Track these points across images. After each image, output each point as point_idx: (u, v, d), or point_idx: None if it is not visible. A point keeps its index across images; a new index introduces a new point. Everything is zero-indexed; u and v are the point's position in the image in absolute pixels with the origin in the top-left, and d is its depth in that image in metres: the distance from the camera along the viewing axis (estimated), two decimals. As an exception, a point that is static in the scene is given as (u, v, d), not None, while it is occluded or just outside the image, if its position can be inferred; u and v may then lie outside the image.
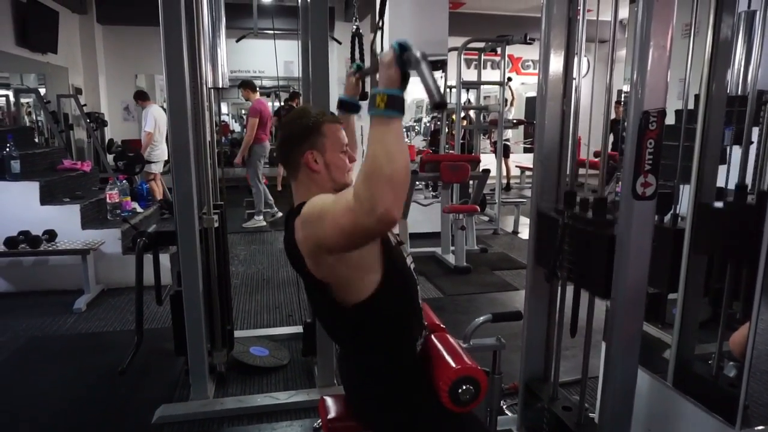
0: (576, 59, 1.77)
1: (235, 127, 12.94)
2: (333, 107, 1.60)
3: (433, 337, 1.59)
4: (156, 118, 6.07)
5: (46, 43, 6.94)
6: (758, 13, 1.82)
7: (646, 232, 1.42)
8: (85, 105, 7.46)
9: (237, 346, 2.87)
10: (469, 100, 7.32)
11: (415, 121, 11.04)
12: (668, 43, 1.32)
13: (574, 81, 1.80)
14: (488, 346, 1.65)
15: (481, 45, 6.02)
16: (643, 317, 1.48)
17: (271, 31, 5.81)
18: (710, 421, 1.68)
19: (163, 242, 2.55)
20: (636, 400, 1.98)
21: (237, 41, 5.42)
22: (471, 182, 5.27)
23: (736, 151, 1.94)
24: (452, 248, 4.75)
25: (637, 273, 1.44)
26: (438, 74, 6.28)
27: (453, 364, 1.40)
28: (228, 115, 13.39)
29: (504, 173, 8.24)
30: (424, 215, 5.34)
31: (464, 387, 1.36)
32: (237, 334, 3.09)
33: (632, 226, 1.41)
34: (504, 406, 2.38)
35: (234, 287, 4.10)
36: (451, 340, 1.58)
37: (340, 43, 6.44)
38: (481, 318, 1.74)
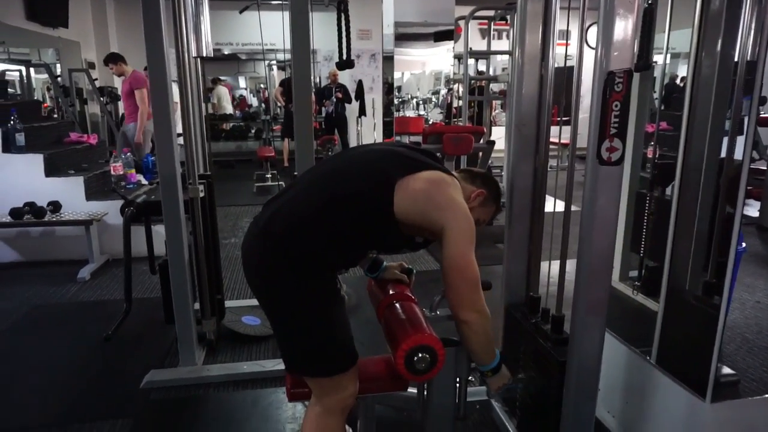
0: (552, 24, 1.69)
1: (253, 101, 12.87)
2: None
3: (396, 304, 1.58)
4: None
5: (57, 18, 6.95)
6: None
7: (611, 198, 1.37)
8: (96, 79, 7.51)
9: (229, 315, 2.90)
10: (479, 72, 7.16)
11: (432, 93, 10.88)
12: (636, -1, 1.24)
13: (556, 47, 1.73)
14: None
15: (491, 13, 5.84)
16: (609, 284, 1.44)
17: (277, 2, 5.72)
18: (684, 395, 1.64)
19: (151, 212, 2.57)
20: (615, 373, 1.96)
21: (240, 12, 5.36)
22: (480, 154, 5.18)
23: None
24: (455, 221, 4.69)
25: (602, 241, 1.40)
26: (449, 45, 6.14)
27: (410, 332, 1.39)
28: (246, 89, 13.31)
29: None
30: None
31: (420, 355, 1.35)
32: (232, 303, 3.13)
33: (597, 192, 1.36)
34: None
35: (234, 258, 4.15)
36: (416, 308, 1.56)
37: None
38: (449, 287, 1.71)
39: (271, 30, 4.08)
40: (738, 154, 1.73)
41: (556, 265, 1.82)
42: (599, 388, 1.53)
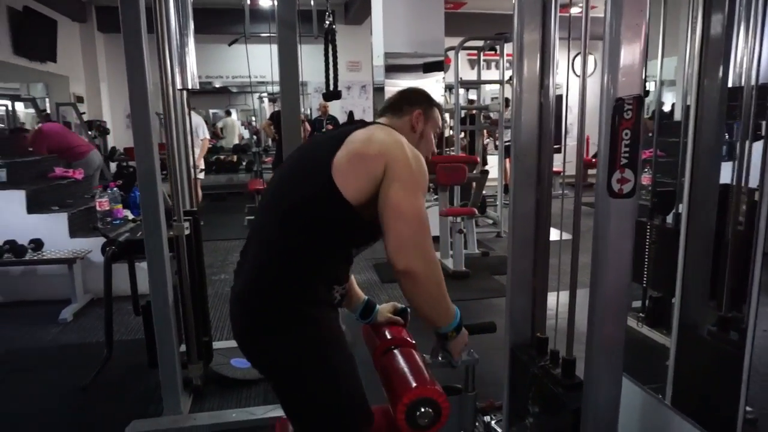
0: (552, 51, 1.62)
1: (245, 133, 12.86)
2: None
3: (395, 351, 1.47)
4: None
5: (45, 52, 6.94)
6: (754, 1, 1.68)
7: (625, 232, 1.27)
8: (84, 113, 7.44)
9: (217, 357, 2.76)
10: (470, 101, 7.17)
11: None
12: (643, 20, 1.17)
13: (554, 74, 1.66)
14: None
15: (480, 44, 5.88)
16: (625, 323, 1.34)
17: (265, 35, 5.72)
18: (707, 442, 1.52)
19: (133, 251, 2.45)
20: (626, 414, 1.84)
21: (229, 45, 5.34)
22: (474, 183, 5.13)
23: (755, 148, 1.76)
24: (451, 252, 4.60)
25: (617, 278, 1.30)
26: (439, 75, 6.13)
27: (411, 384, 1.28)
28: (237, 120, 13.34)
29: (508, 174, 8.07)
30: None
31: (422, 410, 1.23)
32: (220, 345, 2.99)
33: (609, 227, 1.26)
34: (493, 422, 2.23)
35: (223, 295, 4.00)
36: (416, 355, 1.45)
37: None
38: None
39: (260, 62, 4.05)
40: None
41: (563, 296, 1.72)
42: None
